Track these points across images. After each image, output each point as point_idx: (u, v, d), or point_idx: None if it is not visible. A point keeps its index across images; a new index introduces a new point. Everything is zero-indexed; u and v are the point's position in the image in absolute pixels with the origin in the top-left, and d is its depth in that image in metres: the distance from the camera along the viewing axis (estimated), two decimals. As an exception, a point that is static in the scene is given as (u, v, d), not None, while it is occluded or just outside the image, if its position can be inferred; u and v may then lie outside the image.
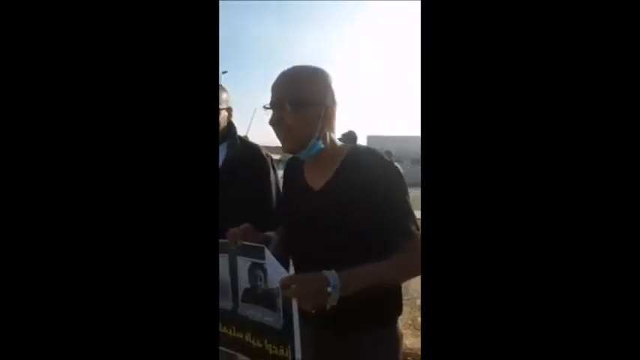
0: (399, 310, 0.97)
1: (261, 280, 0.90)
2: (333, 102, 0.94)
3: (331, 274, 0.77)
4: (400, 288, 0.98)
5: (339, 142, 0.99)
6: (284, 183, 1.13)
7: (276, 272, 0.85)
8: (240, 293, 0.96)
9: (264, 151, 1.40)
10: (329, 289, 0.75)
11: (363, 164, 0.91)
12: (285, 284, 0.77)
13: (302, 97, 0.89)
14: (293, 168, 1.08)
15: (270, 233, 1.10)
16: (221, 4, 0.60)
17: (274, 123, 0.91)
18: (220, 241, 0.93)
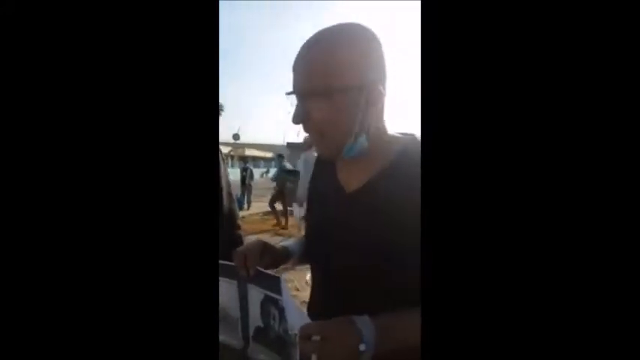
0: None
1: (274, 319, 0.71)
2: (381, 76, 0.65)
3: (364, 323, 0.58)
4: None
5: (392, 133, 0.72)
6: (311, 180, 0.87)
7: (294, 314, 0.66)
8: (251, 331, 0.78)
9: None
10: (361, 347, 0.56)
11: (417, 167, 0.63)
12: (306, 334, 0.58)
13: (328, 81, 0.62)
14: (323, 162, 0.82)
15: (289, 242, 0.90)
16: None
17: (298, 121, 0.66)
18: (226, 263, 0.76)
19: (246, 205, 9.55)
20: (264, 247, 0.77)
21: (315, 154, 0.85)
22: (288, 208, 7.32)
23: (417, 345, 0.54)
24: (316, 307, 0.80)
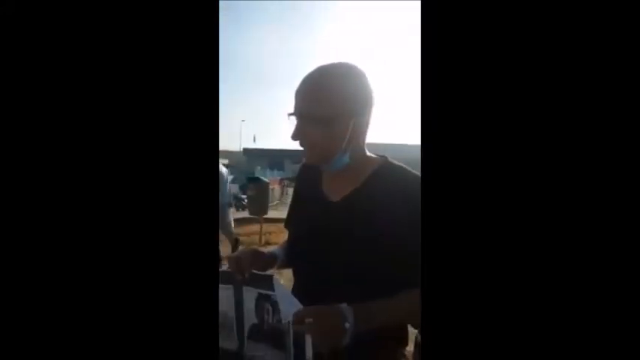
0: (404, 343, 0.88)
1: (268, 313, 0.79)
2: (367, 107, 0.80)
3: (346, 309, 0.70)
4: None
5: (369, 154, 0.87)
6: (295, 190, 1.02)
7: (288, 304, 0.74)
8: (246, 330, 0.84)
9: None
10: (346, 325, 0.68)
11: (394, 183, 0.80)
12: (300, 318, 0.69)
13: (325, 110, 0.76)
14: (307, 174, 0.96)
15: (274, 248, 1.00)
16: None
17: (296, 138, 0.80)
18: (222, 270, 0.84)
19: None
20: (255, 253, 0.88)
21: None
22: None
23: (390, 325, 0.74)
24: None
